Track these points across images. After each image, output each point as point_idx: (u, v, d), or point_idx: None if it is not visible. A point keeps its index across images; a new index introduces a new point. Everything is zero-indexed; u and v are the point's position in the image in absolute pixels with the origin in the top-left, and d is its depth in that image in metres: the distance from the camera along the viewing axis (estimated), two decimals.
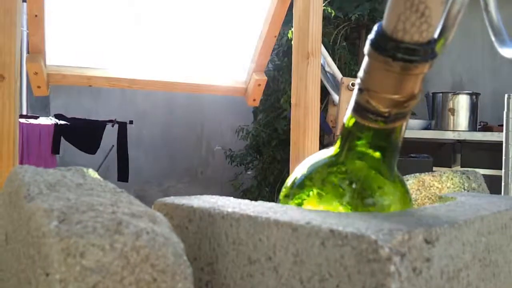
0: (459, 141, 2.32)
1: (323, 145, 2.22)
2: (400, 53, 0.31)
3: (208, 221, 0.38)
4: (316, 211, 0.36)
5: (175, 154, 3.27)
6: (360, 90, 0.35)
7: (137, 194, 3.34)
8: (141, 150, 3.21)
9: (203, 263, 0.38)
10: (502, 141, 1.29)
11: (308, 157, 0.44)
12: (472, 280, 0.35)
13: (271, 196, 2.58)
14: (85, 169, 0.43)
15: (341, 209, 0.40)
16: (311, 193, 0.41)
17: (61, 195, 0.34)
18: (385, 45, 0.32)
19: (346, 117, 0.38)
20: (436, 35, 0.34)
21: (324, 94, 2.01)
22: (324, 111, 2.27)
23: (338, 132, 2.26)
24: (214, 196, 0.44)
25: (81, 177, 0.41)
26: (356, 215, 0.34)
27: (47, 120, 2.39)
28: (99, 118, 2.53)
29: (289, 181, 0.43)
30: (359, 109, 0.36)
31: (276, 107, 2.52)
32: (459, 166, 2.33)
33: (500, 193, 1.01)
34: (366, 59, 0.34)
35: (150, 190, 3.30)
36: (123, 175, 2.45)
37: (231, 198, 0.43)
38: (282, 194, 0.43)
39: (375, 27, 0.33)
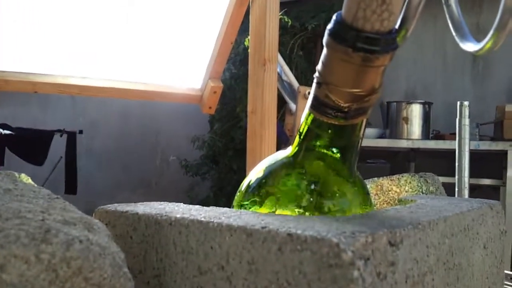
0: (412, 149, 2.37)
1: None
2: (360, 42, 0.30)
3: (155, 228, 0.34)
4: (273, 215, 0.33)
5: (129, 164, 3.17)
6: (318, 84, 0.33)
7: (88, 207, 3.20)
8: (92, 161, 3.09)
9: (149, 275, 0.35)
10: (454, 149, 1.31)
11: (264, 159, 0.41)
12: (437, 284, 0.33)
13: (228, 206, 2.52)
14: (16, 174, 0.38)
15: (299, 213, 0.37)
16: (267, 196, 0.39)
17: None
18: (345, 35, 0.30)
19: (304, 114, 0.36)
20: (397, 26, 0.33)
21: (281, 103, 2.00)
22: (281, 120, 2.27)
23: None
24: (162, 203, 0.41)
25: (11, 182, 0.37)
26: (316, 218, 0.32)
27: None
28: (47, 128, 2.42)
29: (243, 185, 0.41)
30: (317, 104, 0.34)
31: (233, 116, 2.49)
32: None
33: None
34: (324, 51, 0.32)
35: (101, 203, 3.17)
36: (70, 188, 2.34)
37: (181, 204, 0.39)
38: (236, 199, 0.40)
39: (334, 17, 0.31)
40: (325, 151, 0.38)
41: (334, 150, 0.37)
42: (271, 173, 0.39)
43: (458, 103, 1.27)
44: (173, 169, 3.08)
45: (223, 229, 0.30)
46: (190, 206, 0.38)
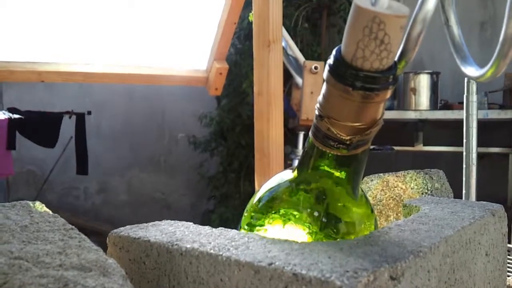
0: (421, 120, 2.36)
1: (288, 129, 2.22)
2: (359, 81, 0.30)
3: (167, 257, 0.36)
4: (279, 244, 0.34)
5: (137, 143, 3.20)
6: (320, 117, 0.33)
7: (100, 186, 3.26)
8: (101, 141, 3.12)
9: None
10: (462, 119, 1.30)
11: (270, 179, 0.42)
12: None
13: (237, 181, 2.57)
14: (31, 204, 0.40)
15: (306, 231, 0.39)
16: (274, 216, 0.40)
17: (3, 246, 0.31)
18: (344, 73, 0.30)
19: (308, 140, 0.37)
20: (396, 58, 0.33)
21: (287, 77, 1.99)
22: (287, 94, 2.26)
23: (302, 116, 2.24)
24: (172, 223, 0.42)
25: (27, 216, 0.38)
26: (320, 248, 0.33)
27: (0, 115, 2.28)
28: (55, 110, 2.43)
29: (250, 205, 0.42)
30: (319, 135, 0.34)
31: (239, 92, 2.49)
32: (422, 145, 2.38)
33: (462, 173, 1.04)
34: (325, 86, 0.32)
35: (112, 182, 3.23)
36: (82, 168, 2.38)
37: (191, 226, 0.41)
38: (244, 219, 0.41)
39: (334, 52, 0.31)
40: (330, 171, 0.38)
41: (339, 171, 0.38)
42: (277, 193, 0.40)
43: (466, 79, 1.25)
44: (181, 146, 3.10)
45: (232, 264, 0.32)
46: (200, 228, 0.40)
